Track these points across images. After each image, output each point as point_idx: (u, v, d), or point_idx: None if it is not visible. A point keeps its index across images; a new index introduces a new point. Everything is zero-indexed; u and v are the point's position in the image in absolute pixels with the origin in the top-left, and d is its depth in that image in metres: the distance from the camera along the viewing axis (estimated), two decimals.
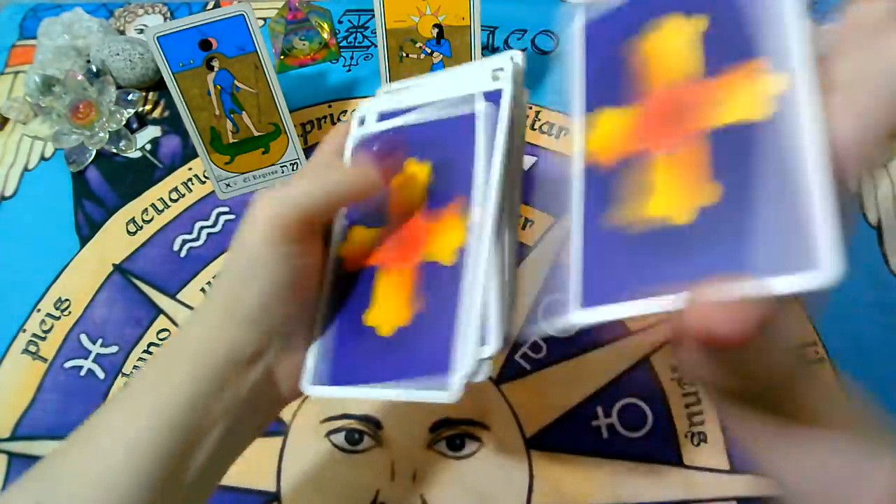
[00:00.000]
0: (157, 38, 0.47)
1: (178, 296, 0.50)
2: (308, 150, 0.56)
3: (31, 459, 0.45)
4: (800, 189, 0.18)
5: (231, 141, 0.52)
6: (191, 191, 0.55)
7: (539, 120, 0.55)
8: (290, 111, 0.52)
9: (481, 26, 0.50)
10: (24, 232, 0.54)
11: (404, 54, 0.52)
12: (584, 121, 0.25)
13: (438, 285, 0.27)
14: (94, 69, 0.58)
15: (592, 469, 0.42)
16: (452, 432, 0.43)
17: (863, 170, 0.19)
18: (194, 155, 0.56)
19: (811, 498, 0.27)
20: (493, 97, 0.28)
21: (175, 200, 0.55)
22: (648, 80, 0.23)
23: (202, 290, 0.50)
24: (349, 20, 0.64)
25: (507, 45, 0.61)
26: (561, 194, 0.24)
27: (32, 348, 0.49)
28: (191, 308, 0.50)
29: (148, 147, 0.58)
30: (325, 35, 0.61)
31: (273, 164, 0.54)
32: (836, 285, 0.17)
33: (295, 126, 0.53)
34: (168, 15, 0.66)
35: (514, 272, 0.27)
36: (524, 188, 0.29)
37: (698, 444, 0.42)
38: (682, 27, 0.23)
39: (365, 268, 0.30)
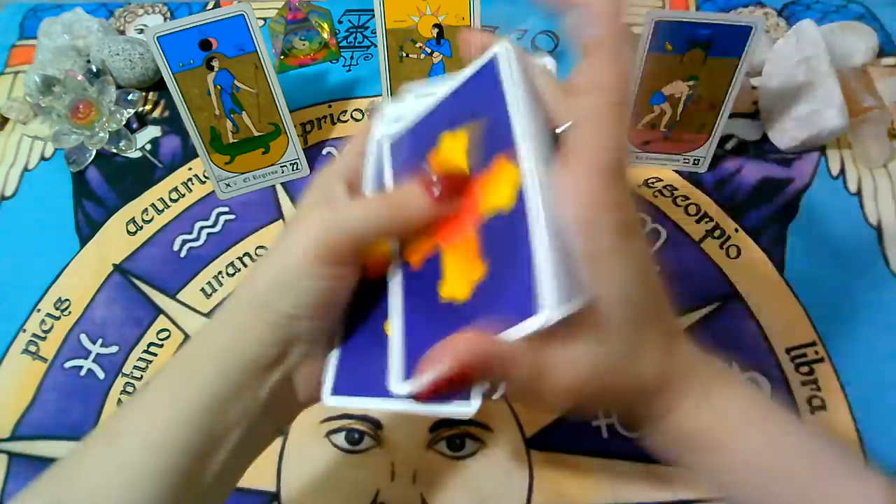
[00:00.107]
0: (157, 38, 0.47)
1: (178, 296, 0.50)
2: (308, 151, 0.56)
3: (31, 459, 0.45)
4: (528, 257, 0.23)
5: (231, 141, 0.52)
6: (191, 191, 0.55)
7: None
8: (290, 111, 0.52)
9: (481, 26, 0.50)
10: (24, 232, 0.54)
11: (404, 54, 0.52)
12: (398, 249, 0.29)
13: (503, 238, 0.25)
14: (94, 69, 0.58)
15: (592, 469, 0.42)
16: (452, 432, 0.43)
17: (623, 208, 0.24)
18: (194, 155, 0.56)
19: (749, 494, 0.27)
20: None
21: (175, 200, 0.55)
22: (433, 174, 0.28)
23: (202, 290, 0.50)
24: (349, 20, 0.64)
25: None
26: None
27: (32, 348, 0.49)
28: (191, 308, 0.50)
29: (148, 147, 0.58)
30: (325, 35, 0.61)
31: (273, 164, 0.54)
32: (554, 323, 0.21)
33: (295, 126, 0.53)
34: (168, 15, 0.66)
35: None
36: None
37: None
38: (452, 140, 0.28)
39: (431, 256, 0.28)
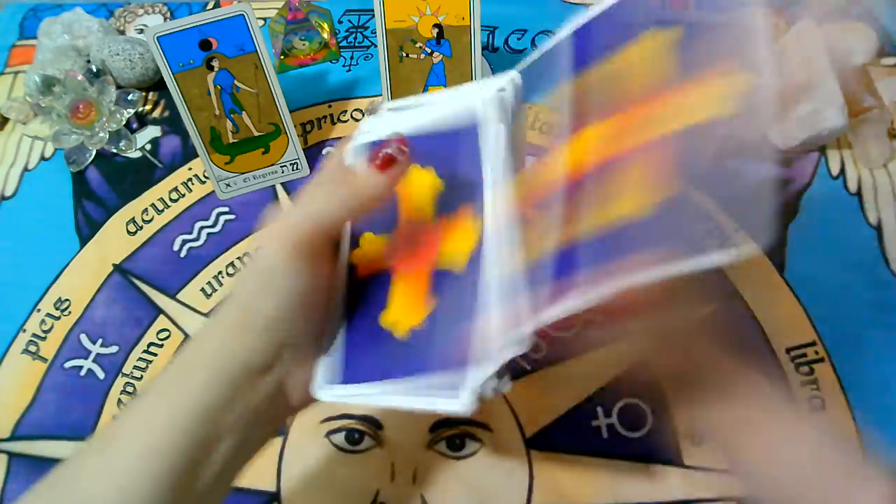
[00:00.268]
0: (157, 38, 0.47)
1: (178, 296, 0.50)
2: (308, 151, 0.56)
3: (31, 459, 0.45)
4: (466, 319, 0.25)
5: (231, 141, 0.52)
6: (191, 191, 0.55)
7: (539, 120, 0.55)
8: (290, 111, 0.52)
9: (481, 26, 0.50)
10: (24, 232, 0.54)
11: (404, 54, 0.52)
12: (348, 242, 0.31)
13: (451, 290, 0.27)
14: (94, 69, 0.58)
15: (592, 469, 0.42)
16: (452, 432, 0.43)
17: None
18: (194, 155, 0.56)
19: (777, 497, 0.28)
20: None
21: (175, 200, 0.55)
22: (400, 214, 0.30)
23: (202, 290, 0.50)
24: (349, 20, 0.64)
25: (507, 46, 0.61)
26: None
27: (32, 348, 0.49)
28: (191, 308, 0.50)
29: (148, 147, 0.58)
30: (325, 35, 0.61)
31: (273, 164, 0.54)
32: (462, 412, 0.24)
33: (295, 126, 0.53)
34: (168, 15, 0.66)
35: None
36: None
37: (698, 444, 0.42)
38: (420, 176, 0.30)
39: (379, 273, 0.30)
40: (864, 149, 0.52)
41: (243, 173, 0.54)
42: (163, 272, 0.51)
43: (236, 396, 0.27)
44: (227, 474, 0.28)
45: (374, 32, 0.63)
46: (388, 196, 0.29)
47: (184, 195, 0.55)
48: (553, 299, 0.23)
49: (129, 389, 0.47)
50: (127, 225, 0.54)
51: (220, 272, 0.51)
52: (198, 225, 0.53)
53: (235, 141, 0.52)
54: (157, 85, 0.61)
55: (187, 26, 0.47)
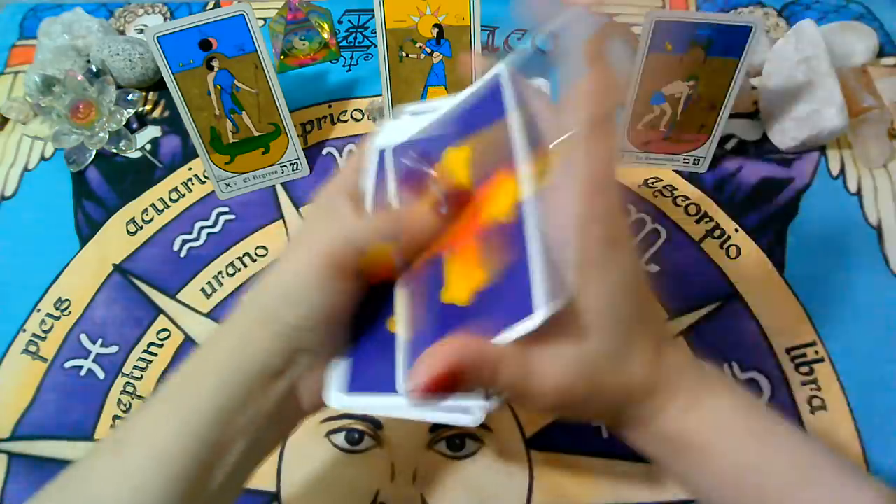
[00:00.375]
0: (157, 38, 0.47)
1: (178, 296, 0.50)
2: (308, 151, 0.56)
3: (31, 459, 0.45)
4: (524, 265, 0.24)
5: (231, 141, 0.52)
6: (191, 191, 0.55)
7: None
8: (290, 111, 0.52)
9: (481, 26, 0.50)
10: (24, 232, 0.54)
11: (404, 54, 0.52)
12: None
13: (503, 246, 0.27)
14: (94, 69, 0.58)
15: (592, 469, 0.42)
16: (452, 432, 0.43)
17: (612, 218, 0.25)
18: (194, 155, 0.56)
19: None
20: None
21: (175, 200, 0.55)
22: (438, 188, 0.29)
23: (202, 290, 0.50)
24: (349, 20, 0.64)
25: (507, 46, 0.61)
26: None
27: (32, 348, 0.49)
28: (191, 308, 0.50)
29: (148, 147, 0.58)
30: (325, 35, 0.61)
31: (273, 164, 0.54)
32: (544, 325, 0.23)
33: (295, 126, 0.53)
34: (168, 15, 0.66)
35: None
36: None
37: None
38: (456, 153, 0.30)
39: (431, 259, 0.29)
40: (864, 149, 0.52)
41: (243, 173, 0.54)
42: (163, 272, 0.51)
43: (249, 400, 0.27)
44: (239, 476, 0.28)
45: (374, 32, 0.63)
46: (431, 234, 0.29)
47: (184, 195, 0.55)
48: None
49: (129, 389, 0.47)
50: (127, 225, 0.54)
51: (220, 272, 0.51)
52: (198, 225, 0.53)
53: (235, 141, 0.52)
54: (157, 85, 0.61)
55: (187, 26, 0.47)
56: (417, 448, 0.43)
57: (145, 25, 0.65)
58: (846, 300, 0.47)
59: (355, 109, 0.59)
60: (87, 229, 0.54)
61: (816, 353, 0.45)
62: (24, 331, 0.49)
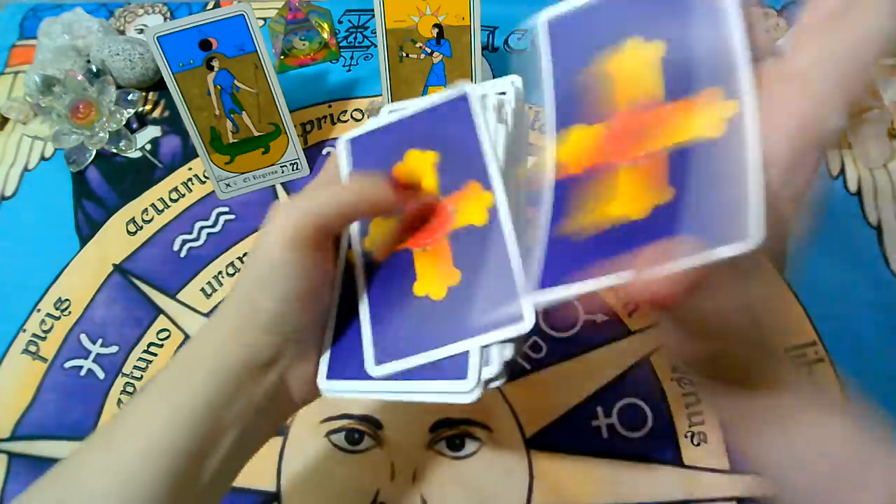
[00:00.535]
0: (157, 38, 0.47)
1: (178, 296, 0.50)
2: (308, 151, 0.56)
3: (31, 459, 0.45)
4: (736, 181, 0.22)
5: (231, 141, 0.52)
6: (191, 191, 0.55)
7: (539, 120, 0.55)
8: (290, 111, 0.52)
9: (481, 26, 0.50)
10: (24, 232, 0.54)
11: (404, 54, 0.52)
12: (555, 137, 0.28)
13: (473, 246, 0.28)
14: (94, 69, 0.58)
15: (592, 469, 0.42)
16: (452, 432, 0.43)
17: (824, 147, 0.23)
18: (194, 155, 0.56)
19: (802, 495, 0.27)
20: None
21: (175, 200, 0.55)
22: (614, 100, 0.26)
23: (202, 290, 0.50)
24: (349, 20, 0.64)
25: (507, 46, 0.61)
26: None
27: (32, 348, 0.49)
28: (191, 308, 0.50)
29: (148, 147, 0.58)
30: (325, 35, 0.61)
31: (273, 164, 0.54)
32: (756, 251, 0.21)
33: (295, 126, 0.53)
34: (168, 15, 0.66)
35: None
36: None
37: (698, 444, 0.42)
38: (642, 51, 0.26)
39: (398, 253, 0.30)
40: (864, 149, 0.52)
41: (243, 173, 0.54)
42: (163, 272, 0.51)
43: (238, 393, 0.27)
44: (230, 469, 0.29)
45: (374, 32, 0.63)
46: (391, 205, 0.29)
47: (184, 195, 0.55)
48: (555, 282, 0.24)
49: (129, 389, 0.47)
50: (127, 225, 0.54)
51: (220, 272, 0.51)
52: (198, 225, 0.53)
53: (235, 141, 0.52)
54: (157, 85, 0.61)
55: (187, 26, 0.47)
56: (417, 448, 0.43)
57: (145, 25, 0.65)
58: (846, 300, 0.47)
59: (355, 109, 0.59)
60: (87, 229, 0.54)
61: (816, 353, 0.45)
62: (24, 331, 0.49)
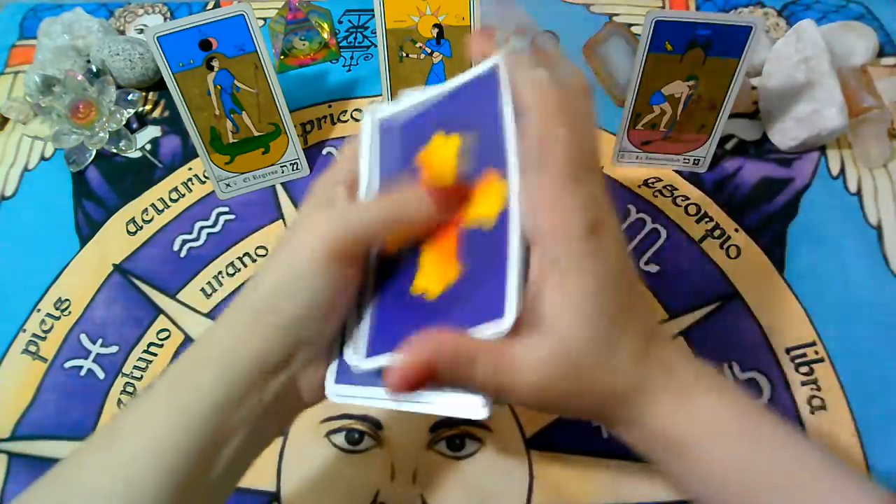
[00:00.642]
0: (157, 38, 0.47)
1: (178, 296, 0.50)
2: (308, 151, 0.56)
3: (31, 459, 0.45)
4: (500, 268, 0.25)
5: (231, 141, 0.52)
6: (191, 191, 0.55)
7: None
8: (290, 111, 0.52)
9: (481, 27, 0.50)
10: (24, 232, 0.54)
11: (404, 54, 0.52)
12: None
13: (480, 249, 0.27)
14: (94, 69, 0.58)
15: (592, 469, 0.42)
16: (452, 432, 0.43)
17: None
18: (194, 155, 0.56)
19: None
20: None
21: (175, 200, 0.55)
22: (423, 182, 0.29)
23: (202, 290, 0.50)
24: (349, 20, 0.64)
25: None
26: None
27: (32, 348, 0.49)
28: (191, 308, 0.50)
29: (148, 147, 0.58)
30: (325, 35, 0.61)
31: (273, 164, 0.54)
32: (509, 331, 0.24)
33: (295, 126, 0.53)
34: (168, 15, 0.66)
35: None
36: None
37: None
38: (444, 142, 0.29)
39: (408, 247, 0.29)
40: (864, 149, 0.52)
41: (243, 173, 0.54)
42: (163, 272, 0.51)
43: (248, 394, 0.27)
44: (236, 469, 0.28)
45: (374, 32, 0.63)
46: (435, 223, 0.28)
47: (184, 195, 0.55)
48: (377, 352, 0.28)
49: (129, 389, 0.47)
50: (127, 225, 0.54)
51: (220, 272, 0.51)
52: (198, 225, 0.53)
53: (235, 141, 0.52)
54: (157, 85, 0.61)
55: (187, 26, 0.47)
56: (417, 448, 0.43)
57: (145, 25, 0.65)
58: (846, 300, 0.47)
59: (355, 109, 0.59)
60: (87, 229, 0.54)
61: (816, 353, 0.45)
62: (24, 331, 0.49)
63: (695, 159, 0.52)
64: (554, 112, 0.25)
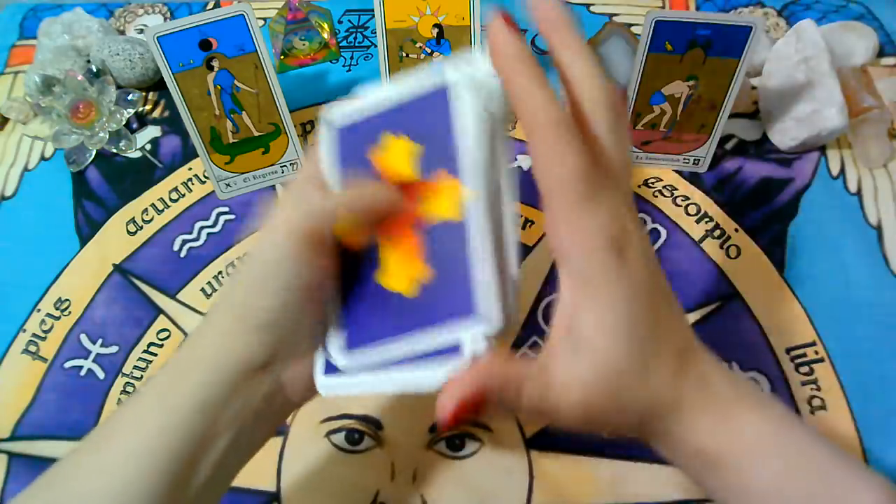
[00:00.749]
0: (157, 38, 0.47)
1: (178, 296, 0.50)
2: (308, 151, 0.56)
3: (31, 459, 0.45)
4: (470, 272, 0.26)
5: (231, 141, 0.52)
6: (191, 191, 0.55)
7: None
8: (290, 111, 0.52)
9: (481, 26, 0.50)
10: (24, 232, 0.54)
11: (404, 54, 0.52)
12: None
13: (444, 241, 0.27)
14: (94, 69, 0.58)
15: (592, 469, 0.42)
16: (452, 432, 0.43)
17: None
18: (194, 155, 0.56)
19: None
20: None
21: (175, 200, 0.55)
22: (382, 180, 0.30)
23: (202, 290, 0.50)
24: (349, 20, 0.64)
25: None
26: None
27: (32, 348, 0.49)
28: (191, 308, 0.50)
29: (148, 147, 0.58)
30: (325, 35, 0.61)
31: (273, 164, 0.54)
32: (498, 332, 0.25)
33: (295, 126, 0.53)
34: (168, 15, 0.66)
35: (517, 257, 0.28)
36: (523, 186, 0.29)
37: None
38: (396, 142, 0.30)
39: (367, 241, 0.30)
40: (864, 149, 0.52)
41: (243, 173, 0.54)
42: (163, 272, 0.51)
43: (233, 395, 0.27)
44: (228, 470, 0.28)
45: (374, 32, 0.63)
46: (394, 206, 0.29)
47: (184, 195, 0.55)
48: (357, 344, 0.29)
49: (129, 389, 0.47)
50: (127, 225, 0.54)
51: (220, 272, 0.51)
52: (198, 225, 0.53)
53: (235, 141, 0.52)
54: (157, 85, 0.61)
55: (187, 26, 0.47)
56: (417, 448, 0.43)
57: (145, 25, 0.65)
58: (846, 300, 0.47)
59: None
60: (87, 229, 0.54)
61: (816, 353, 0.45)
62: (24, 331, 0.49)
63: (695, 159, 0.52)
64: (561, 134, 0.24)
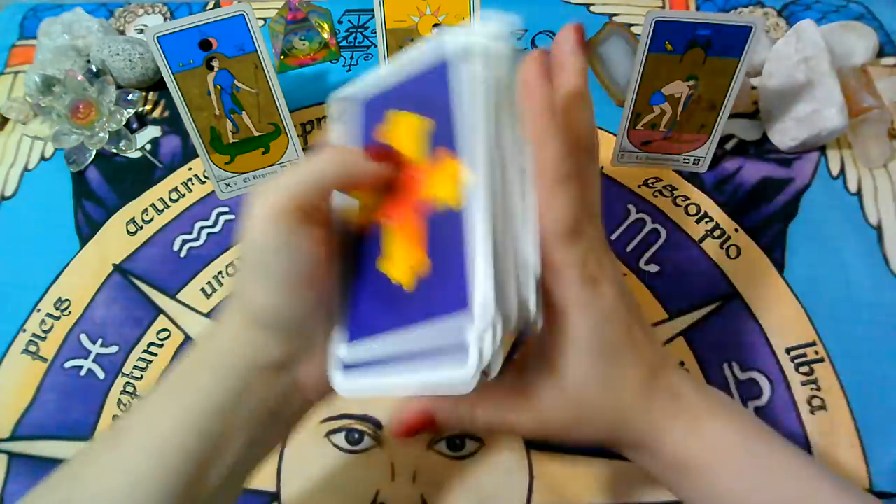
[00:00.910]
0: (157, 38, 0.47)
1: (178, 296, 0.50)
2: (308, 151, 0.56)
3: (31, 459, 0.45)
4: (466, 265, 0.24)
5: (231, 141, 0.52)
6: (191, 191, 0.55)
7: None
8: (290, 111, 0.52)
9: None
10: (24, 232, 0.54)
11: None
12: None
13: (447, 230, 0.26)
14: (94, 69, 0.58)
15: (592, 469, 0.42)
16: (453, 432, 0.43)
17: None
18: (194, 155, 0.56)
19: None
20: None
21: (175, 200, 0.55)
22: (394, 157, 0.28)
23: (202, 290, 0.50)
24: (349, 20, 0.64)
25: None
26: None
27: (32, 348, 0.49)
28: (191, 308, 0.50)
29: (148, 147, 0.58)
30: (325, 35, 0.61)
31: (273, 164, 0.54)
32: (503, 328, 0.23)
33: (295, 126, 0.53)
34: (168, 15, 0.66)
35: (536, 243, 0.25)
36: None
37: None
38: (404, 118, 0.29)
39: (372, 224, 0.29)
40: (864, 149, 0.52)
41: (243, 173, 0.54)
42: (163, 272, 0.51)
43: (247, 395, 0.27)
44: (241, 471, 0.28)
45: (374, 32, 0.63)
46: (368, 169, 0.27)
47: (184, 195, 0.55)
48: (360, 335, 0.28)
49: (129, 389, 0.47)
50: (127, 225, 0.54)
51: (220, 272, 0.51)
52: (198, 225, 0.53)
53: (235, 141, 0.52)
54: (157, 85, 0.61)
55: (187, 26, 0.47)
56: (417, 448, 0.43)
57: (145, 25, 0.65)
58: (846, 300, 0.47)
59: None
60: (87, 229, 0.54)
61: (816, 353, 0.45)
62: (24, 331, 0.49)
63: (695, 159, 0.52)
64: (556, 189, 0.25)
